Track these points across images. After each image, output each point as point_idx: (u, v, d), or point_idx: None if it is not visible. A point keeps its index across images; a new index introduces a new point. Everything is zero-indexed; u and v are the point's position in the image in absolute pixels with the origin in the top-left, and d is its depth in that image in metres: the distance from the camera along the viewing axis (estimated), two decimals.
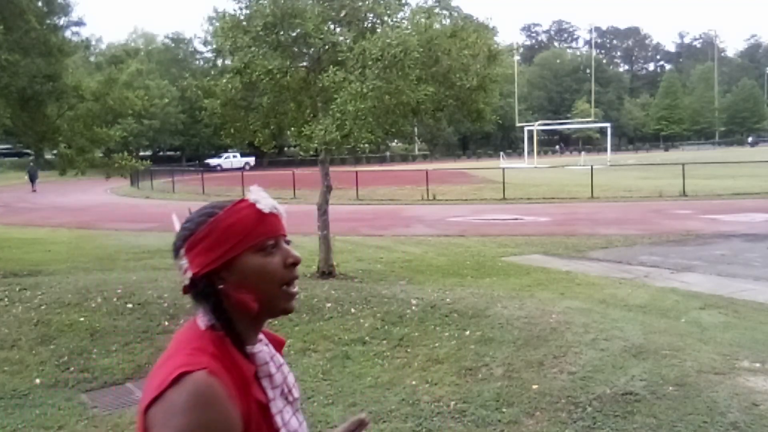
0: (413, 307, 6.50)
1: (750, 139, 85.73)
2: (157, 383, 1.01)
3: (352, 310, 6.47)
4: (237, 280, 1.10)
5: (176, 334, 1.16)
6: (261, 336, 1.17)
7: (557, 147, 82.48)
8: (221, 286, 1.10)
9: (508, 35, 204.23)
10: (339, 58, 7.48)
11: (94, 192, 30.61)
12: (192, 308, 1.15)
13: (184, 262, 1.12)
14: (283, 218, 1.17)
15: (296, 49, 8.24)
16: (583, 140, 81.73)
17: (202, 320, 1.12)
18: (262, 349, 1.15)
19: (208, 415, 0.99)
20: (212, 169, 49.41)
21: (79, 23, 10.66)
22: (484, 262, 10.22)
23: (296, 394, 1.20)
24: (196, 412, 0.98)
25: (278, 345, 1.23)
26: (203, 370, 1.01)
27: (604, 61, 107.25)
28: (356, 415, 1.31)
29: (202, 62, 58.27)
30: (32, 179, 32.53)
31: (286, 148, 57.19)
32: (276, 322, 6.15)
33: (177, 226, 1.16)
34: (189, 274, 1.11)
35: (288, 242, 1.16)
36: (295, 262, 1.14)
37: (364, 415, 1.31)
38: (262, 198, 1.16)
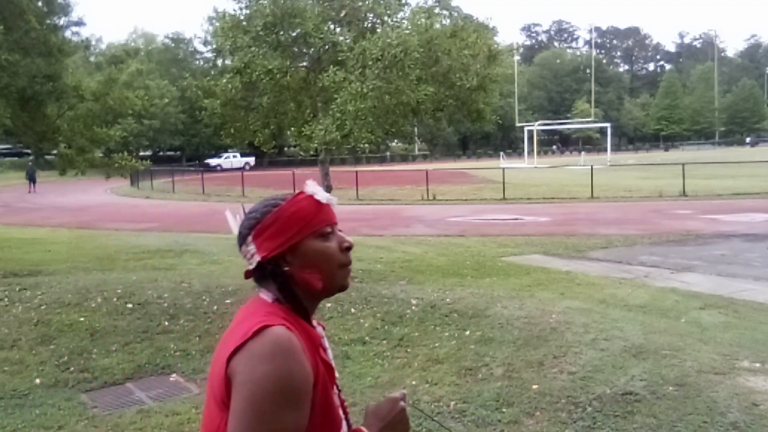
0: (413, 307, 6.50)
1: (748, 140, 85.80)
2: (239, 337, 1.13)
3: (352, 310, 6.47)
4: (301, 263, 1.24)
5: (241, 309, 1.28)
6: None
7: (554, 147, 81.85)
8: (286, 268, 1.23)
9: (508, 35, 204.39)
10: (339, 58, 7.48)
11: (94, 192, 30.61)
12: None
13: (252, 247, 1.25)
14: (335, 208, 1.30)
15: (296, 49, 8.24)
16: (583, 140, 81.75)
17: (267, 296, 1.25)
18: (318, 326, 1.30)
19: (288, 363, 1.11)
20: (212, 169, 49.43)
21: (79, 23, 10.64)
22: (484, 262, 10.22)
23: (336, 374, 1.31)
24: (278, 360, 1.10)
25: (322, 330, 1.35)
26: (281, 325, 1.15)
27: (604, 61, 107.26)
28: (395, 393, 1.39)
29: (202, 62, 58.25)
30: (31, 180, 31.97)
31: (286, 148, 57.18)
32: None
33: (231, 222, 1.29)
34: (256, 258, 1.24)
35: (340, 230, 1.30)
36: (350, 246, 1.29)
37: (404, 390, 1.40)
38: (318, 191, 1.27)
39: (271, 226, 1.23)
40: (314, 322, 1.29)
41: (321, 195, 1.27)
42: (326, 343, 1.30)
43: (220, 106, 8.44)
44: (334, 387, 1.27)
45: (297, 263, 1.23)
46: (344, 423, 1.26)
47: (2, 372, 4.91)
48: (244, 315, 1.22)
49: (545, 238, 12.93)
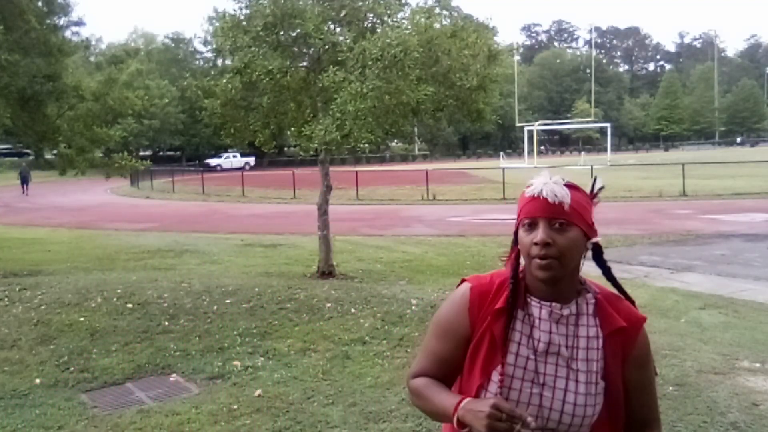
0: (413, 307, 6.50)
1: (739, 140, 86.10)
2: None
3: (352, 310, 6.47)
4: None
5: None
6: (562, 305, 1.35)
7: (542, 148, 78.06)
8: (516, 245, 1.41)
9: (508, 35, 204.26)
10: (339, 58, 7.47)
11: (94, 192, 30.61)
12: None
13: None
14: (553, 202, 1.32)
15: (296, 49, 8.23)
16: (583, 140, 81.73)
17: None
18: (537, 306, 1.36)
19: (447, 305, 1.45)
20: (212, 169, 49.43)
21: (79, 23, 10.61)
22: (484, 262, 10.21)
23: (577, 365, 1.34)
24: (445, 301, 1.47)
25: (609, 321, 1.38)
26: (468, 282, 1.44)
27: (604, 61, 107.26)
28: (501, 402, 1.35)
29: (202, 62, 58.16)
30: (24, 182, 30.35)
31: (286, 148, 57.15)
32: (275, 321, 6.16)
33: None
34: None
35: (561, 224, 1.32)
36: (537, 242, 1.32)
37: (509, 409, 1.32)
38: (535, 183, 1.35)
39: None
40: (534, 302, 1.37)
41: (530, 189, 1.35)
42: (518, 324, 1.36)
43: (220, 106, 8.43)
44: (498, 357, 1.34)
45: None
46: (484, 391, 1.35)
47: (2, 372, 4.91)
48: None
49: None
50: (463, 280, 1.44)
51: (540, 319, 1.35)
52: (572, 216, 1.32)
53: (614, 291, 1.43)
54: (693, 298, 7.50)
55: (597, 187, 1.41)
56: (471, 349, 1.38)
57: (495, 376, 1.34)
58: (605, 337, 1.34)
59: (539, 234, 1.31)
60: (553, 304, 1.35)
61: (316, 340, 5.56)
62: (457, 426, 1.30)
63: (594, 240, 1.38)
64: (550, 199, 1.31)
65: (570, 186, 1.34)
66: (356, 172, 26.45)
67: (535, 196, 1.33)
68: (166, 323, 6.11)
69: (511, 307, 1.36)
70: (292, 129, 8.95)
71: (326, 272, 8.83)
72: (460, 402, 1.30)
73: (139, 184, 33.80)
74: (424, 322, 5.99)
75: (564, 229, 1.32)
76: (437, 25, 8.05)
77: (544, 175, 1.35)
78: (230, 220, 18.38)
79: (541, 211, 1.32)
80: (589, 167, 24.89)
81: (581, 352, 1.34)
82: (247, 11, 8.06)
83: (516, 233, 1.40)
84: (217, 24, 8.22)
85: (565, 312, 1.35)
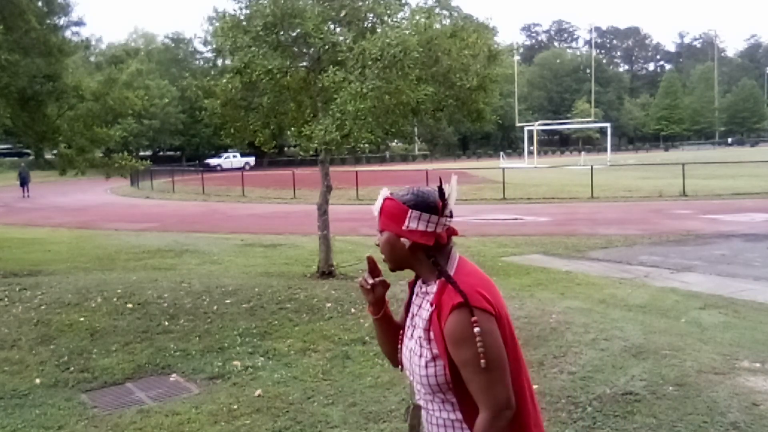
0: None
1: (729, 140, 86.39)
2: None
3: (352, 310, 6.47)
4: None
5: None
6: (427, 284, 1.69)
7: (531, 148, 75.54)
8: None
9: (508, 35, 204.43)
10: (339, 58, 7.47)
11: (94, 192, 30.61)
12: None
13: None
14: (376, 215, 1.71)
15: (296, 49, 8.23)
16: (583, 140, 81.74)
17: None
18: (418, 285, 1.76)
19: None
20: (212, 169, 49.42)
21: (79, 23, 10.62)
22: (484, 262, 10.21)
23: (416, 323, 1.71)
24: None
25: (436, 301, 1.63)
26: None
27: (604, 61, 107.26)
28: None
29: (202, 62, 58.15)
30: (24, 183, 29.38)
31: (286, 148, 57.20)
32: (275, 321, 6.16)
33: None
34: None
35: (379, 230, 1.72)
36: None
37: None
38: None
39: None
40: (420, 282, 1.77)
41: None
42: (414, 296, 1.79)
43: (220, 106, 8.43)
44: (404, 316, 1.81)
45: None
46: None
47: (2, 372, 4.91)
48: None
49: (545, 238, 12.92)
50: None
51: (416, 293, 1.76)
52: (381, 224, 1.68)
53: (478, 283, 1.61)
54: (693, 298, 7.50)
55: (446, 194, 1.67)
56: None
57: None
58: (432, 310, 1.61)
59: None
60: (422, 283, 1.72)
61: (316, 340, 5.56)
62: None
63: (404, 241, 1.64)
64: (374, 213, 1.71)
65: (388, 199, 1.67)
66: (356, 172, 26.44)
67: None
68: (166, 323, 6.11)
69: (413, 284, 1.79)
70: (292, 129, 8.95)
71: (326, 272, 8.83)
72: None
73: (139, 184, 33.81)
74: None
75: (381, 234, 1.70)
76: (437, 25, 8.04)
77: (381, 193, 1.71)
78: (230, 220, 18.38)
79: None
80: (589, 167, 24.87)
81: (420, 321, 1.66)
82: (247, 11, 8.05)
83: None
84: (217, 24, 8.22)
85: (423, 289, 1.70)
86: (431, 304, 1.61)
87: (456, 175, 1.75)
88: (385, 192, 1.70)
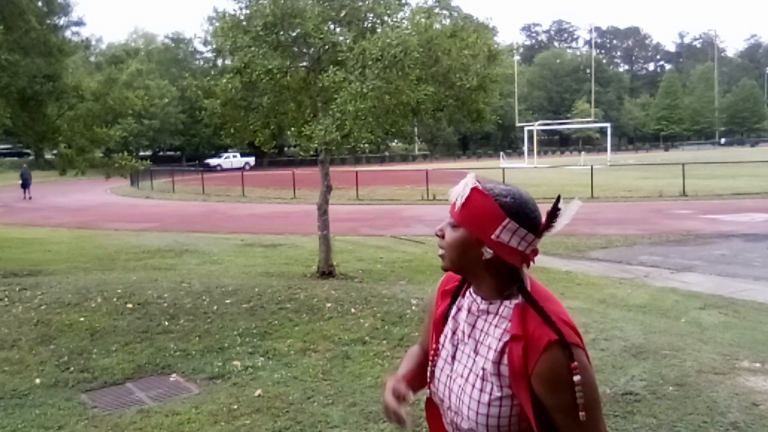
0: (413, 307, 6.50)
1: (722, 141, 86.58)
2: None
3: (352, 310, 6.47)
4: None
5: None
6: (489, 302, 1.39)
7: (523, 149, 70.08)
8: None
9: (508, 35, 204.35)
10: (339, 58, 7.47)
11: (94, 192, 30.61)
12: None
13: None
14: (451, 201, 1.40)
15: (296, 49, 8.23)
16: (583, 140, 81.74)
17: None
18: (469, 298, 1.43)
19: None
20: (212, 169, 49.43)
21: (79, 23, 10.63)
22: None
23: (472, 348, 1.40)
24: None
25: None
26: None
27: (604, 61, 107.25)
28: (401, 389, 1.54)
29: (202, 62, 58.17)
30: (26, 185, 28.50)
31: (286, 148, 57.20)
32: (275, 321, 6.16)
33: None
34: None
35: (451, 223, 1.40)
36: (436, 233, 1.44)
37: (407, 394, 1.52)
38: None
39: None
40: (469, 293, 1.44)
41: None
42: (453, 310, 1.47)
43: (220, 106, 8.43)
44: (434, 331, 1.50)
45: None
46: (429, 365, 1.48)
47: (2, 372, 4.91)
48: None
49: (545, 238, 12.90)
50: None
51: (464, 308, 1.43)
52: (460, 217, 1.35)
53: (562, 311, 1.39)
54: (693, 298, 7.50)
55: (558, 216, 1.36)
56: (429, 323, 1.55)
57: (429, 357, 1.48)
58: (509, 341, 1.32)
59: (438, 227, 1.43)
60: (478, 298, 1.40)
61: (316, 340, 5.56)
62: None
63: (485, 250, 1.33)
64: (450, 198, 1.39)
65: (478, 191, 1.34)
66: (356, 172, 26.44)
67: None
68: (166, 323, 6.11)
69: (456, 292, 1.47)
70: (292, 129, 8.95)
71: (326, 272, 8.83)
72: (396, 373, 1.53)
73: (139, 184, 33.80)
74: (424, 322, 5.98)
75: (454, 228, 1.37)
76: (437, 25, 8.04)
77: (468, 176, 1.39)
78: (230, 220, 18.38)
79: (451, 211, 1.40)
80: (589, 167, 24.87)
81: (484, 349, 1.36)
82: (247, 11, 8.06)
83: None
84: (217, 24, 8.22)
85: (483, 307, 1.38)
86: (509, 333, 1.32)
87: (580, 201, 1.42)
88: (472, 180, 1.37)
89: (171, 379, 4.82)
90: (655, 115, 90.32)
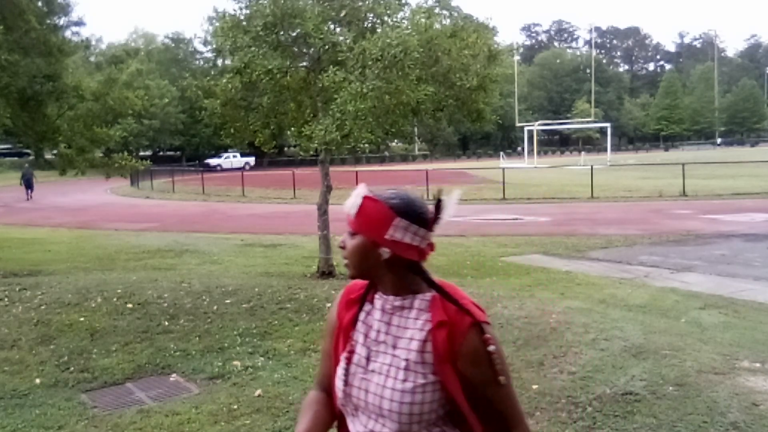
0: None
1: (719, 141, 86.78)
2: None
3: None
4: None
5: None
6: (402, 298, 1.45)
7: (519, 149, 69.17)
8: None
9: (508, 35, 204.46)
10: (339, 58, 7.47)
11: (94, 192, 30.61)
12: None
13: None
14: (347, 213, 1.48)
15: (296, 49, 8.23)
16: (583, 140, 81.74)
17: None
18: (379, 299, 1.48)
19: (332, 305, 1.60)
20: (212, 169, 49.43)
21: (79, 23, 10.63)
22: (484, 262, 10.21)
23: (401, 354, 1.43)
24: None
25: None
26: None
27: (604, 61, 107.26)
28: None
29: (202, 62, 58.24)
30: (29, 186, 28.43)
31: (286, 148, 57.20)
32: (275, 321, 6.16)
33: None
34: None
35: (350, 232, 1.48)
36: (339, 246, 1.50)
37: None
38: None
39: None
40: (378, 295, 1.49)
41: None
42: (362, 315, 1.51)
43: (220, 106, 8.43)
44: (346, 345, 1.49)
45: None
46: (340, 369, 1.48)
47: (2, 372, 4.91)
48: None
49: (545, 238, 12.92)
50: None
51: (376, 309, 1.48)
52: (356, 225, 1.44)
53: (467, 296, 1.45)
54: (693, 298, 7.50)
55: (443, 208, 1.42)
56: (334, 339, 1.54)
57: (342, 362, 1.48)
58: (432, 330, 1.40)
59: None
60: (388, 297, 1.46)
61: (316, 340, 5.55)
62: None
63: (383, 251, 1.41)
64: (345, 209, 1.48)
65: (369, 198, 1.43)
66: (356, 172, 26.41)
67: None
68: (166, 323, 6.11)
69: (362, 298, 1.51)
70: (292, 129, 8.95)
71: (326, 272, 8.83)
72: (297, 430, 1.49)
73: (139, 184, 33.80)
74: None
75: (353, 237, 1.46)
76: (437, 25, 8.04)
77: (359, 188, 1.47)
78: (230, 220, 18.38)
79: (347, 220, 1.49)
80: (589, 167, 24.87)
81: (405, 342, 1.43)
82: (247, 11, 8.06)
83: None
84: (217, 24, 8.22)
85: (396, 303, 1.45)
86: (431, 322, 1.40)
87: (460, 190, 1.51)
88: (363, 190, 1.46)
89: (171, 379, 4.82)
90: (655, 115, 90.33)
